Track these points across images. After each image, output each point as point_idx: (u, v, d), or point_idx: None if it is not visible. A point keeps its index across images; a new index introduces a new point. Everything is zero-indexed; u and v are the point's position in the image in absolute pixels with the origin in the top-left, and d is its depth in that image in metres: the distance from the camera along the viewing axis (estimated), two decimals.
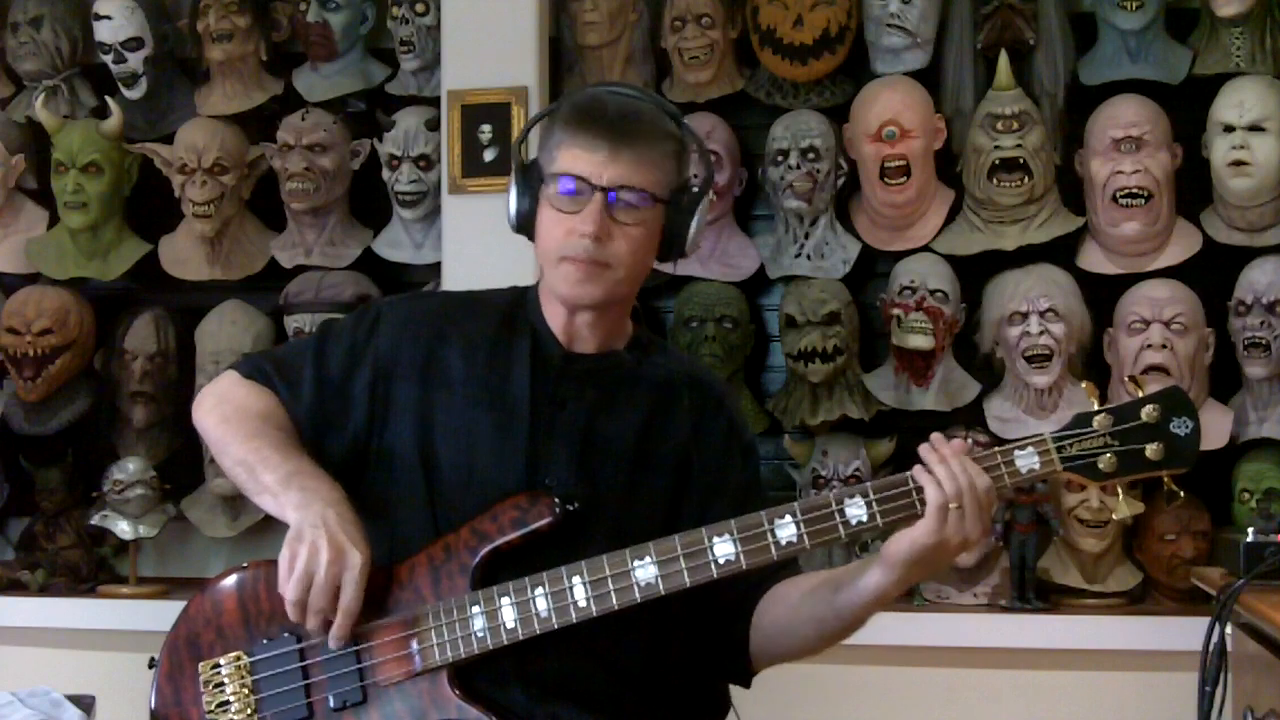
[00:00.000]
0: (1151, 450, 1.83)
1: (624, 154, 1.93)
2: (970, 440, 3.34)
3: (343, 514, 1.90)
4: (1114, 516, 1.93)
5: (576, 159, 1.93)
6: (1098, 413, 1.85)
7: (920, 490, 1.83)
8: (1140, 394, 1.86)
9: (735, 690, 2.10)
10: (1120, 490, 1.88)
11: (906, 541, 1.80)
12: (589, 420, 1.99)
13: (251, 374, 2.08)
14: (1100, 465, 1.83)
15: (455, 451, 1.98)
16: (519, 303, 2.08)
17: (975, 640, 3.37)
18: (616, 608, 1.86)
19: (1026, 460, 1.84)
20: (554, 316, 2.03)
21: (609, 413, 2.01)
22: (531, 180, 1.99)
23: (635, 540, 1.88)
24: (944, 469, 1.80)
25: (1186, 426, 1.84)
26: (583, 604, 1.87)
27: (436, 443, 1.99)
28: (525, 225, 2.01)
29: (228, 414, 2.04)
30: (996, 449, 1.86)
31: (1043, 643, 3.33)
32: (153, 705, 2.00)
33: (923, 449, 1.83)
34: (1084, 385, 1.96)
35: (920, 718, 3.40)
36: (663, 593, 1.86)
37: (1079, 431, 1.84)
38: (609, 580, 1.86)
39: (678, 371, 2.08)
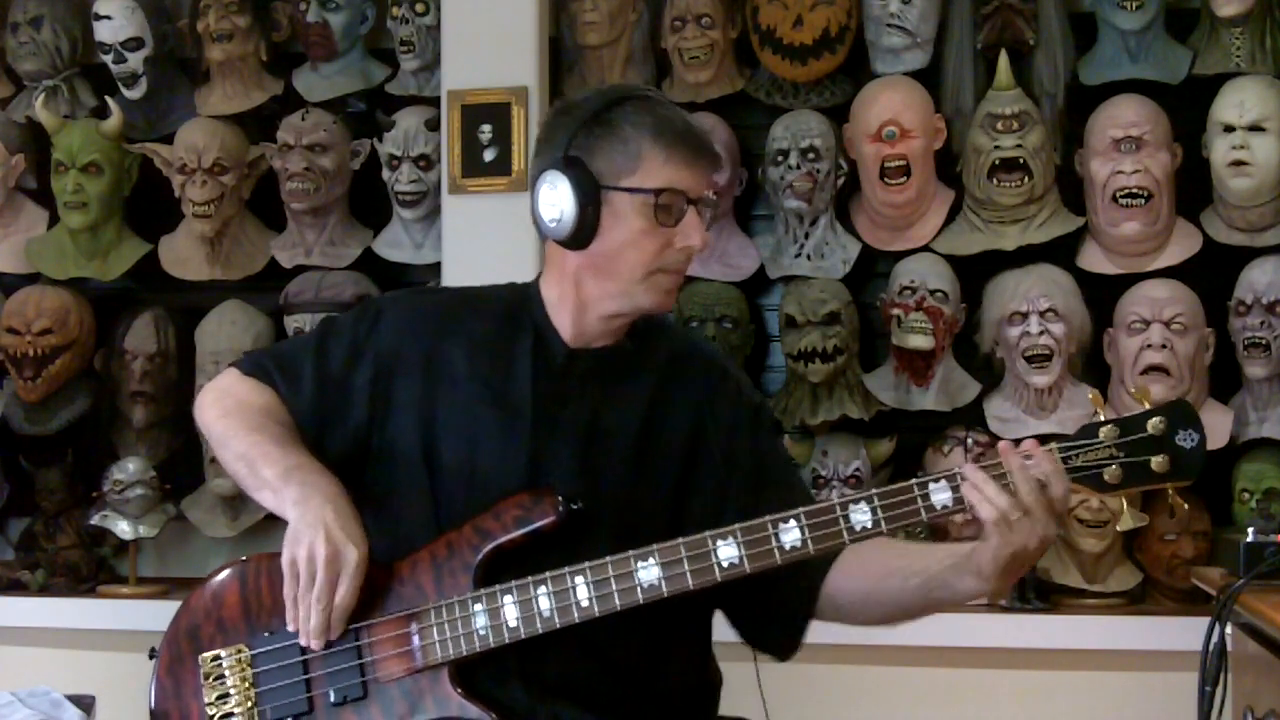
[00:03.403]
0: (1157, 463, 1.83)
1: (712, 169, 1.98)
2: (971, 440, 3.39)
3: (341, 510, 1.91)
4: (1118, 528, 1.92)
5: (679, 174, 1.93)
6: (1104, 424, 1.84)
7: (926, 496, 1.84)
8: (1146, 405, 1.85)
9: (738, 690, 2.10)
10: (1125, 502, 1.87)
11: (988, 556, 1.82)
12: (592, 417, 1.99)
13: (252, 370, 2.09)
14: (1105, 476, 1.83)
15: (458, 448, 1.98)
16: (520, 300, 2.07)
17: (975, 640, 3.36)
18: (619, 608, 1.87)
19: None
20: (563, 316, 2.02)
21: (612, 406, 2.01)
22: (593, 190, 1.93)
23: (639, 537, 1.88)
24: (990, 488, 1.80)
25: (1192, 439, 1.83)
26: (585, 604, 1.87)
27: (439, 439, 1.99)
28: (586, 237, 1.95)
29: (228, 409, 2.04)
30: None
31: (1043, 643, 3.33)
32: (152, 698, 2.01)
33: (969, 475, 1.82)
34: (1090, 395, 1.96)
35: (920, 718, 3.40)
36: (665, 594, 1.86)
37: (1085, 442, 1.84)
38: (612, 580, 1.87)
39: (679, 346, 2.10)
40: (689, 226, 1.94)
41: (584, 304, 2.00)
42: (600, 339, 2.02)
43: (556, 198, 1.94)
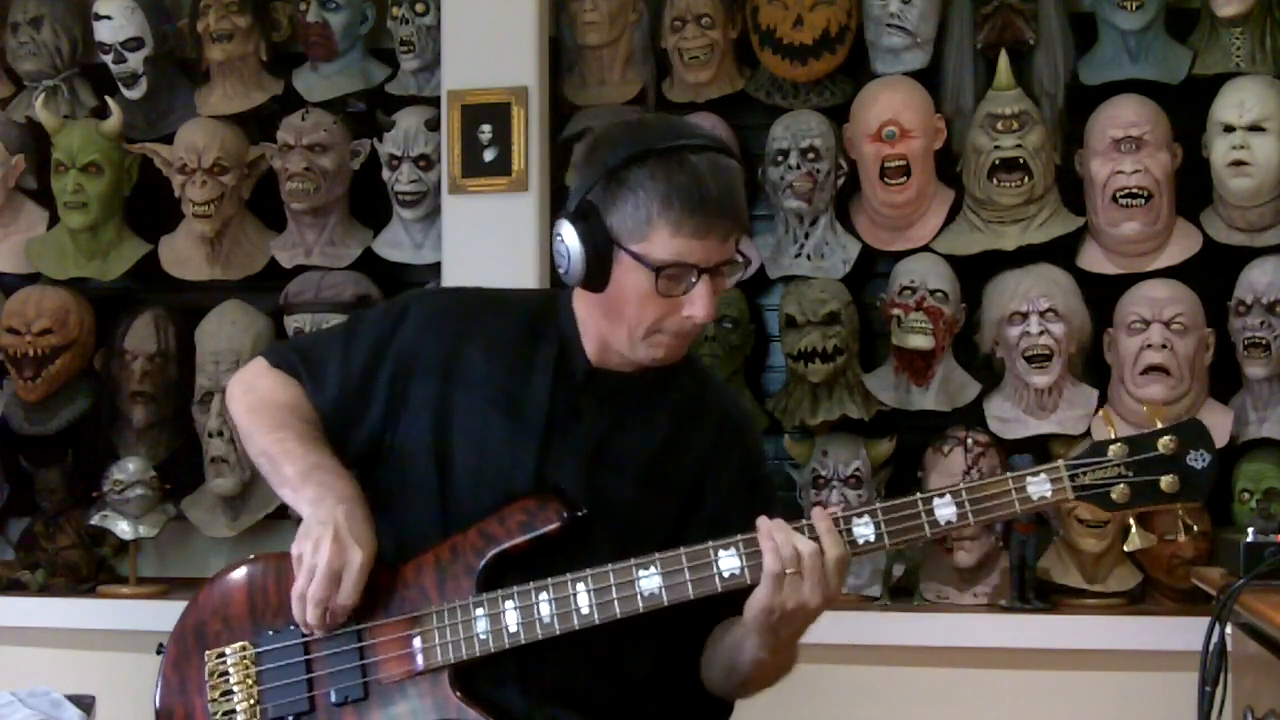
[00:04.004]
0: (1166, 482, 1.82)
1: (732, 234, 1.90)
2: (970, 440, 3.40)
3: (353, 512, 1.92)
4: (1125, 548, 1.91)
5: (688, 247, 1.86)
6: (1113, 441, 1.83)
7: (931, 511, 1.84)
8: (1159, 424, 1.84)
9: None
10: (1132, 522, 1.86)
11: (750, 607, 1.82)
12: (603, 436, 1.99)
13: (279, 363, 2.10)
14: (1113, 495, 1.82)
15: (469, 451, 1.99)
16: (549, 308, 2.06)
17: (975, 640, 3.37)
18: (619, 616, 1.87)
19: (1038, 487, 1.83)
20: (589, 335, 2.01)
21: (625, 430, 2.00)
22: (604, 245, 1.88)
23: (639, 552, 1.88)
24: (781, 536, 1.81)
25: (1203, 460, 1.82)
26: (585, 611, 1.87)
27: (452, 440, 1.99)
28: (596, 285, 1.91)
29: (253, 404, 2.06)
30: (1009, 474, 1.85)
31: (1043, 643, 3.33)
32: (158, 692, 2.03)
33: (759, 526, 1.84)
34: (1102, 413, 1.95)
35: (920, 718, 3.40)
36: (666, 603, 1.86)
37: (1093, 460, 1.83)
38: (613, 589, 1.87)
39: (706, 399, 2.07)
40: (696, 297, 1.88)
41: (603, 336, 1.99)
42: (623, 366, 2.01)
43: (568, 246, 1.90)
